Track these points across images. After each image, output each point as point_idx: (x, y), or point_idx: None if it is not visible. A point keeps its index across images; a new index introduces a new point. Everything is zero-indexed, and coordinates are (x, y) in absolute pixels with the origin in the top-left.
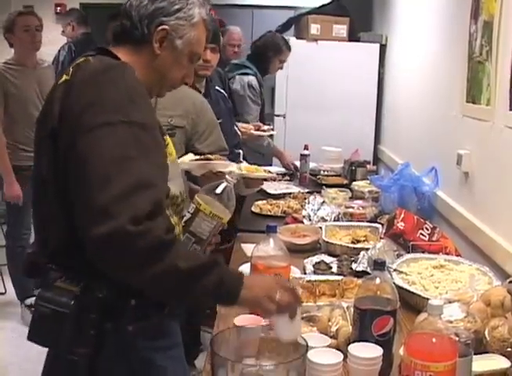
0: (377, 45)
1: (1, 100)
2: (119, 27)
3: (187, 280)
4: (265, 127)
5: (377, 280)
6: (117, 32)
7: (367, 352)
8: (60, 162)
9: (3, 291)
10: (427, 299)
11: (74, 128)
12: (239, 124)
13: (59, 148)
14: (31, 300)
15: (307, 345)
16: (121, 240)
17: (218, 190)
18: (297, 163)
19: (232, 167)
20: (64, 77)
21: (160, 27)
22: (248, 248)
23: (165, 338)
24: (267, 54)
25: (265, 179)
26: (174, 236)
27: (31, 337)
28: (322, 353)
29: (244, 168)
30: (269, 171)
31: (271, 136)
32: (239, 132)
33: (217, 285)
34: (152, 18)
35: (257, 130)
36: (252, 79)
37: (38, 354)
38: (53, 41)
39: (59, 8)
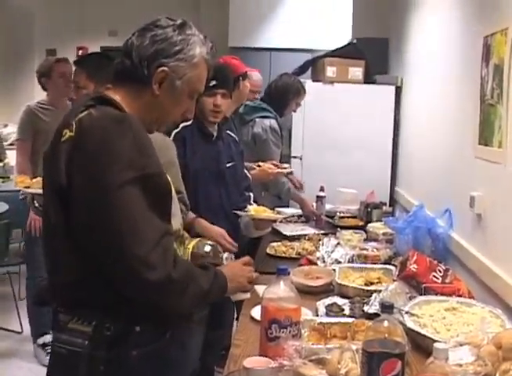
0: (393, 87)
1: (30, 136)
2: (120, 65)
3: (208, 295)
4: (285, 165)
5: (386, 323)
6: (117, 70)
7: None
8: (73, 216)
9: (20, 330)
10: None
11: (91, 188)
12: (260, 163)
13: (71, 204)
14: (44, 339)
15: None
16: (168, 284)
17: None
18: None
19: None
20: (68, 133)
21: (160, 69)
22: (261, 289)
23: (169, 361)
24: (287, 96)
25: (275, 221)
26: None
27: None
28: None
29: (253, 209)
30: (278, 212)
31: (290, 174)
32: (249, 175)
33: (217, 288)
34: (152, 60)
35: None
36: (273, 123)
37: None
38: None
39: (81, 51)
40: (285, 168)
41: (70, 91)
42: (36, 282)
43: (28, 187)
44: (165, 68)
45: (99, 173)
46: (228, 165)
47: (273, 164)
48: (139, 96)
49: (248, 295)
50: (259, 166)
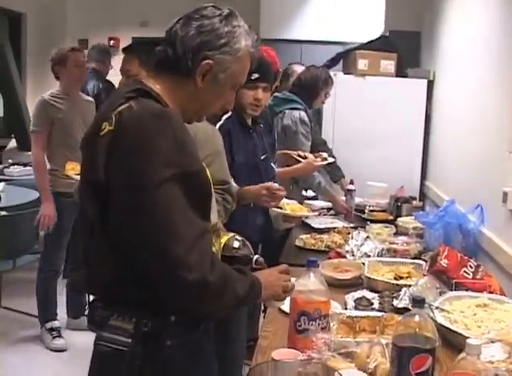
0: (425, 81)
1: (46, 128)
2: (162, 54)
3: (243, 301)
4: (323, 154)
5: (416, 318)
6: (160, 59)
7: None
8: (111, 210)
9: None
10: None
11: (129, 185)
12: (301, 153)
13: (108, 198)
14: (52, 324)
15: None
16: (203, 287)
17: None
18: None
19: None
20: (107, 127)
21: (205, 62)
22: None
23: (201, 353)
24: (317, 86)
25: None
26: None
27: (92, 373)
28: None
29: (289, 206)
30: (310, 209)
31: (329, 164)
32: (274, 166)
33: (252, 296)
34: (197, 51)
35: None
36: (303, 115)
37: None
38: None
39: (112, 41)
40: (325, 159)
41: (84, 80)
42: (49, 275)
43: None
44: (210, 61)
45: (138, 170)
46: (262, 158)
47: (314, 155)
48: (181, 87)
49: (282, 303)
50: (302, 157)
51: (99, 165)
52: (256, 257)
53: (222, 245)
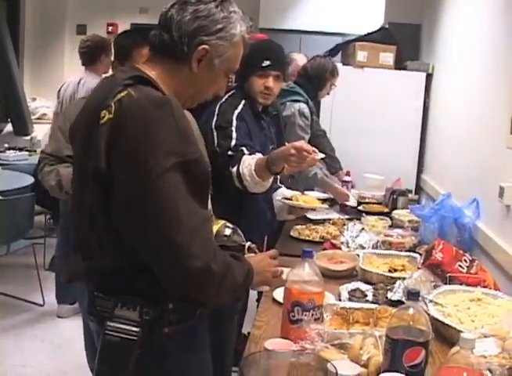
0: (424, 74)
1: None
2: (157, 39)
3: (240, 288)
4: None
5: (411, 311)
6: (155, 44)
7: None
8: (114, 199)
9: (41, 303)
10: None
11: (132, 174)
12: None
13: (111, 189)
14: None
15: (336, 373)
16: (207, 274)
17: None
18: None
19: None
20: (107, 115)
21: (201, 47)
22: (285, 272)
23: (197, 340)
24: (324, 76)
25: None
26: (229, 258)
27: (100, 364)
28: None
29: (301, 198)
30: (321, 201)
31: (327, 156)
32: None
33: (248, 282)
34: (193, 36)
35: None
36: (304, 107)
37: (73, 367)
38: None
39: (111, 27)
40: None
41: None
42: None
43: None
44: (206, 46)
45: (140, 159)
46: (270, 148)
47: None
48: (177, 73)
49: (267, 288)
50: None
51: (100, 154)
52: (248, 244)
53: (214, 233)
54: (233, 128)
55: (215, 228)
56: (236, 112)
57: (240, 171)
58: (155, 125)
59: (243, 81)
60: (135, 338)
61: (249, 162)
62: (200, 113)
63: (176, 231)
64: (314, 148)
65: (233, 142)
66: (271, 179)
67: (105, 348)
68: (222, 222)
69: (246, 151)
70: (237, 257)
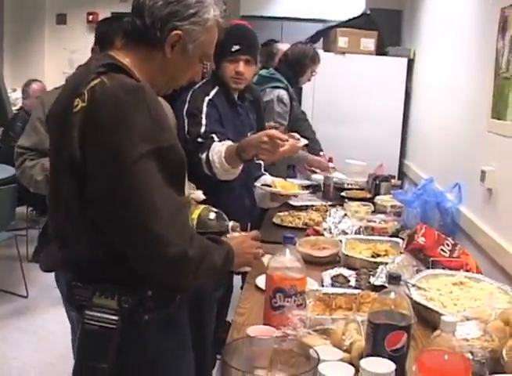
0: (405, 60)
1: None
2: (130, 26)
3: (219, 271)
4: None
5: (392, 295)
6: (127, 31)
7: (379, 367)
8: (89, 188)
9: (25, 295)
10: None
11: (106, 162)
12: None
13: (85, 175)
14: None
15: (318, 359)
16: (184, 261)
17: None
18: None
19: (199, 193)
20: (80, 104)
21: (174, 32)
22: (267, 259)
23: (177, 327)
24: (304, 62)
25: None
26: (207, 242)
27: (79, 353)
28: (333, 367)
29: (280, 184)
30: (304, 187)
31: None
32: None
33: (228, 265)
34: (165, 22)
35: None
36: (283, 93)
37: (57, 358)
38: (84, 49)
39: (91, 16)
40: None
41: None
42: None
43: None
44: (179, 31)
45: (114, 147)
46: (249, 134)
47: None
48: (150, 59)
49: (249, 269)
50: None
51: (74, 143)
52: (231, 223)
53: (196, 218)
54: (203, 115)
55: (197, 212)
56: (207, 99)
57: (210, 158)
58: (128, 112)
59: (216, 67)
60: (114, 326)
61: (219, 149)
62: (175, 99)
63: (152, 219)
64: (297, 135)
65: (203, 129)
66: (240, 167)
67: (84, 337)
68: (203, 206)
69: (216, 138)
70: (216, 240)
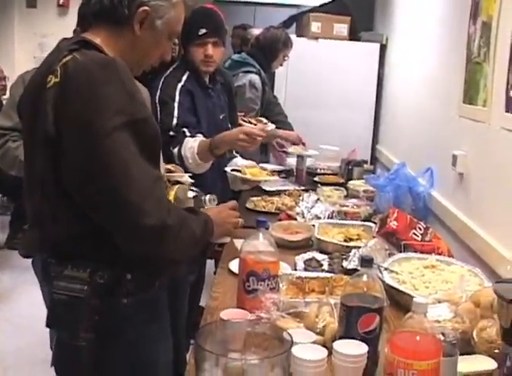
0: (378, 45)
1: None
2: (98, 5)
3: (199, 241)
4: (264, 119)
5: (365, 278)
6: (95, 11)
7: (352, 349)
8: (64, 163)
9: None
10: None
11: (81, 135)
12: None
13: (61, 153)
14: None
15: (292, 341)
16: (163, 231)
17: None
18: (295, 160)
19: (186, 177)
20: (53, 79)
21: (141, 9)
22: (239, 243)
23: (157, 312)
24: (277, 46)
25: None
26: (185, 212)
27: (50, 324)
28: (306, 349)
29: (249, 170)
30: (273, 173)
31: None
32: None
33: (207, 234)
34: None
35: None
36: (255, 78)
37: (33, 343)
38: (56, 33)
39: (62, 0)
40: (266, 124)
41: None
42: None
43: None
44: (146, 8)
45: (87, 120)
46: (221, 117)
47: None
48: (120, 37)
49: (229, 239)
50: (254, 124)
51: (48, 118)
52: (208, 196)
53: (173, 199)
54: (176, 104)
55: (172, 194)
56: (180, 85)
57: (182, 153)
58: (101, 85)
59: (185, 52)
60: (82, 295)
61: (191, 145)
62: (147, 86)
63: (128, 190)
64: (265, 119)
65: (174, 121)
66: (212, 160)
67: (53, 307)
68: (177, 185)
69: (187, 133)
70: (194, 211)
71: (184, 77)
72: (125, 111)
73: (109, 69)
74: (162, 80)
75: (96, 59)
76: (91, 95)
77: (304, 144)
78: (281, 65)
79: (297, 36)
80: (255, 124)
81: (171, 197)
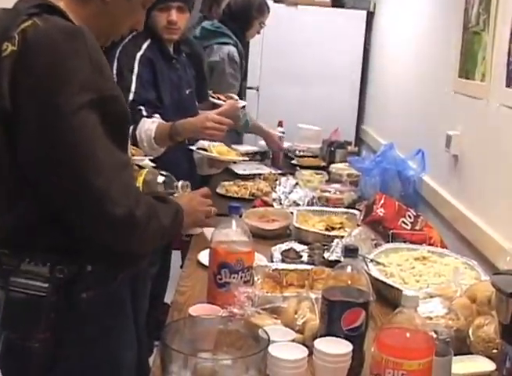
0: (364, 12)
1: None
2: None
3: (168, 232)
4: (235, 96)
5: (349, 269)
6: None
7: (335, 347)
8: (22, 142)
9: None
10: None
11: (42, 113)
12: (221, 96)
13: (17, 129)
14: None
15: (268, 340)
16: (130, 221)
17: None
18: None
19: (147, 160)
20: (9, 47)
21: None
22: (210, 232)
23: (118, 307)
24: (251, 13)
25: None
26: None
27: (3, 324)
28: (285, 348)
29: (216, 149)
30: (242, 154)
31: (243, 107)
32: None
33: (177, 225)
34: None
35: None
36: (233, 50)
37: None
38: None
39: None
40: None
41: None
42: None
43: None
44: None
45: (50, 96)
46: (187, 92)
47: (226, 97)
48: (87, 3)
49: (200, 230)
50: (223, 100)
51: (3, 91)
52: (180, 182)
53: (142, 184)
54: (134, 77)
55: (140, 179)
56: (139, 55)
57: (137, 135)
58: (66, 57)
59: (146, 17)
60: (44, 294)
61: (148, 127)
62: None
63: (94, 174)
64: (235, 96)
65: (131, 97)
66: (170, 145)
67: (9, 306)
68: (146, 169)
69: (144, 112)
70: (164, 199)
71: (144, 46)
72: (92, 88)
73: (75, 39)
74: (120, 48)
75: (61, 26)
76: (54, 68)
77: (282, 133)
78: (258, 33)
79: (274, 1)
80: (225, 101)
81: (140, 183)
